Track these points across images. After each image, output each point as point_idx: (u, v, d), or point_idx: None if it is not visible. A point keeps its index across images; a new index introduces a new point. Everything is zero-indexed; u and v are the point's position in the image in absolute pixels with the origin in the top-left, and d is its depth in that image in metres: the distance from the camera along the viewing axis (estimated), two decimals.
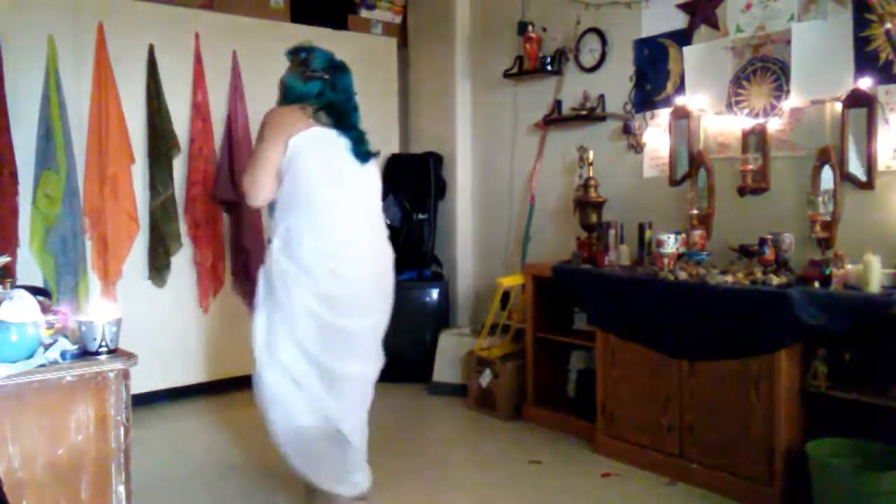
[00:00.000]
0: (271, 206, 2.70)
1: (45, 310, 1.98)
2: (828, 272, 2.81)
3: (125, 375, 1.85)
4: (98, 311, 1.86)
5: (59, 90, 3.92)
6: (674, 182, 3.74)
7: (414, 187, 4.91)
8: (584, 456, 3.47)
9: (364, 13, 5.18)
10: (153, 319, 4.22)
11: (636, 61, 3.92)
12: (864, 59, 3.01)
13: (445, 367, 4.51)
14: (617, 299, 3.41)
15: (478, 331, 4.43)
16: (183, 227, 4.39)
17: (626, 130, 3.93)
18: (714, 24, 3.54)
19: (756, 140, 3.37)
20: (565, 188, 4.31)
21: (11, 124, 3.80)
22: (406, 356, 4.46)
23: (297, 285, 2.59)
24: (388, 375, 4.54)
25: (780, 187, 3.32)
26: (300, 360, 2.64)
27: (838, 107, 3.09)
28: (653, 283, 3.24)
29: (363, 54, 4.85)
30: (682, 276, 3.16)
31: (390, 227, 4.70)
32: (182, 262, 4.40)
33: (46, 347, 1.81)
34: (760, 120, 3.34)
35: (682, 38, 3.67)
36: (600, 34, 4.08)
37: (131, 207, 4.18)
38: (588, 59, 4.17)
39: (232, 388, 4.62)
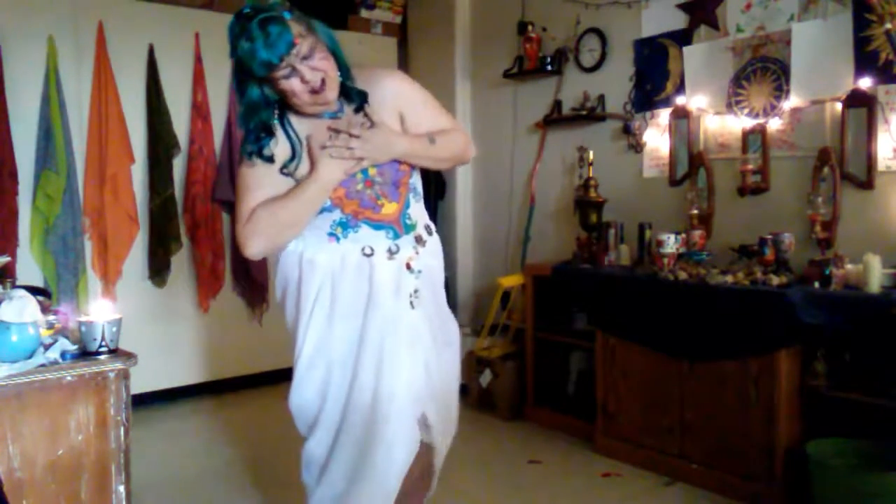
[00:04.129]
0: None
1: (45, 310, 1.98)
2: (828, 272, 2.81)
3: (125, 375, 1.84)
4: (98, 311, 1.86)
5: (59, 90, 3.92)
6: (674, 182, 3.74)
7: None
8: (584, 456, 3.47)
9: (364, 13, 5.18)
10: (153, 319, 4.23)
11: (636, 61, 3.91)
12: (864, 59, 3.01)
13: None
14: (617, 299, 3.41)
15: (478, 331, 4.43)
16: (183, 227, 4.39)
17: (626, 130, 3.92)
18: (714, 24, 3.54)
19: (756, 140, 3.37)
20: (565, 188, 4.31)
21: (11, 124, 3.80)
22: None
23: None
24: None
25: (780, 187, 3.32)
26: None
27: (838, 107, 3.08)
28: (653, 283, 3.24)
29: (363, 54, 4.86)
30: (682, 276, 3.16)
31: None
32: (182, 262, 4.40)
33: (46, 347, 1.80)
34: (760, 120, 3.34)
35: (682, 38, 3.67)
36: (600, 34, 4.08)
37: (131, 207, 4.18)
38: (588, 59, 4.17)
39: (231, 388, 4.62)
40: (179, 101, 4.36)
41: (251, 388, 4.68)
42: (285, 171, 1.86)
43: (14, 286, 2.12)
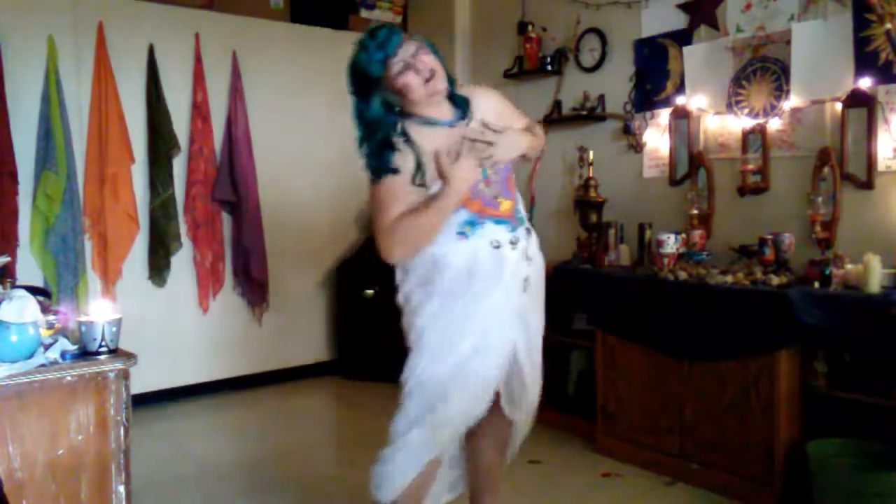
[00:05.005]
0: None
1: (45, 310, 1.97)
2: (828, 272, 2.81)
3: (125, 375, 1.84)
4: (98, 310, 1.85)
5: (59, 90, 3.92)
6: (674, 182, 3.74)
7: None
8: (584, 456, 3.47)
9: (364, 13, 5.18)
10: (153, 319, 4.22)
11: (636, 61, 3.91)
12: (864, 59, 3.01)
13: None
14: (617, 299, 3.40)
15: None
16: (183, 227, 4.40)
17: (626, 130, 3.92)
18: (714, 24, 3.54)
19: (756, 140, 3.37)
20: (565, 188, 4.31)
21: (11, 124, 3.80)
22: (407, 356, 4.46)
23: None
24: (389, 376, 4.56)
25: (779, 187, 3.32)
26: None
27: (838, 107, 3.09)
28: (653, 284, 3.24)
29: None
30: (682, 276, 3.16)
31: None
32: (182, 261, 4.40)
33: (46, 347, 1.80)
34: (760, 120, 3.34)
35: (683, 38, 3.67)
36: (600, 34, 4.08)
37: (131, 207, 4.18)
38: (588, 59, 4.17)
39: (232, 387, 4.62)
40: (179, 101, 4.36)
41: (251, 388, 4.68)
42: (417, 182, 2.02)
43: (14, 286, 2.11)
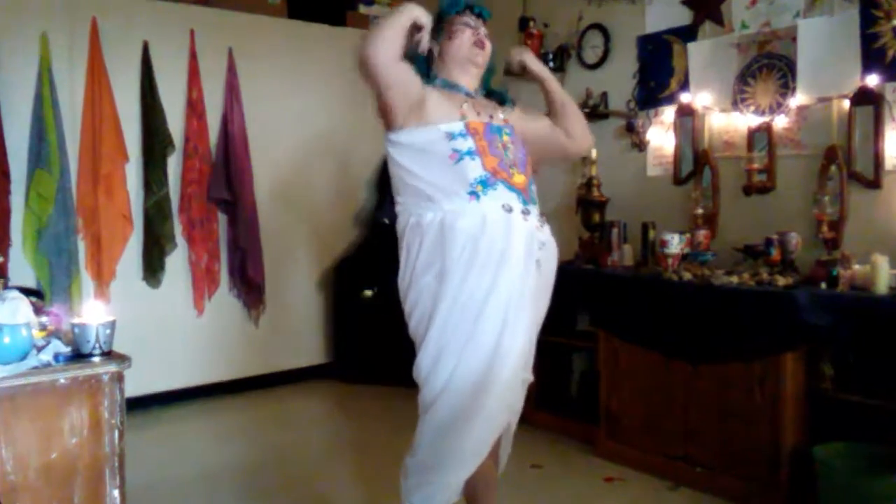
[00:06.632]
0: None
1: (37, 311, 1.96)
2: (835, 273, 2.79)
3: (119, 378, 1.82)
4: (92, 312, 1.83)
5: (52, 88, 3.88)
6: (678, 181, 3.71)
7: None
8: (586, 460, 3.43)
9: (362, 9, 5.15)
10: (148, 321, 4.17)
11: (640, 58, 3.89)
12: (872, 56, 2.99)
13: None
14: (620, 300, 3.37)
15: None
16: (178, 227, 4.35)
17: (630, 128, 3.90)
18: (719, 21, 3.51)
19: (762, 138, 3.34)
20: (568, 187, 4.28)
21: (4, 123, 3.76)
22: (407, 358, 4.42)
23: None
24: (389, 377, 4.53)
25: (786, 186, 3.29)
26: None
27: (845, 104, 3.06)
28: (657, 284, 3.20)
29: None
30: (687, 276, 3.13)
31: (387, 226, 4.67)
32: (177, 262, 4.36)
33: (39, 349, 1.77)
34: (766, 118, 3.31)
35: (687, 34, 3.65)
36: (603, 30, 4.05)
37: (125, 207, 4.13)
38: (591, 55, 4.14)
39: (227, 391, 4.57)
40: (174, 99, 4.31)
41: (247, 392, 4.63)
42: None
43: (7, 287, 2.09)
